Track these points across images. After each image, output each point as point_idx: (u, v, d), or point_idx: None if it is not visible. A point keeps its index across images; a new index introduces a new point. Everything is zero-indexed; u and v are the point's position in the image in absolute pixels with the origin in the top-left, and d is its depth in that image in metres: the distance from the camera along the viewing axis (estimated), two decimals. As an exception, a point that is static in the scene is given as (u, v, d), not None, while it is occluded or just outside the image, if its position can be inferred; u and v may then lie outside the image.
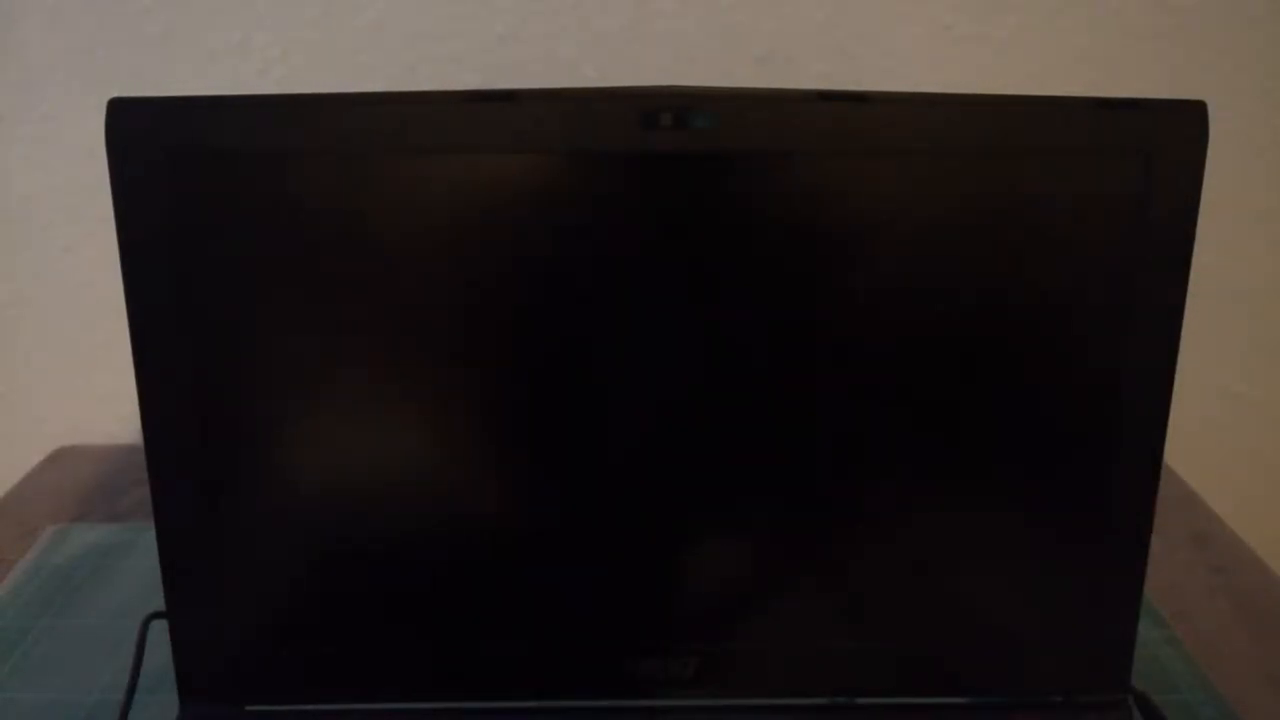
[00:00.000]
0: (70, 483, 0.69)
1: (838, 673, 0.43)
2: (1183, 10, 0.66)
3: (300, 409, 0.40)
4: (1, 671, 0.50)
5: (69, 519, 0.64)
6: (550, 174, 0.38)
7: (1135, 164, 0.38)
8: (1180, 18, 0.66)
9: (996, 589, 0.43)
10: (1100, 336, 0.40)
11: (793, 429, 0.41)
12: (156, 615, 0.47)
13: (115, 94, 0.38)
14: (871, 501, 0.42)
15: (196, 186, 0.38)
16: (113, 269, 0.38)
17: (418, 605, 0.42)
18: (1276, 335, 0.74)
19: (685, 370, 0.40)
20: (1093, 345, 0.40)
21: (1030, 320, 0.40)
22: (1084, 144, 0.38)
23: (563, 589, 0.42)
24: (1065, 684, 0.44)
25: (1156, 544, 0.42)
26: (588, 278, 0.39)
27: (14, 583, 0.57)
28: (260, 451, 0.40)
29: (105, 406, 0.74)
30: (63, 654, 0.51)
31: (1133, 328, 0.40)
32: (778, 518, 0.42)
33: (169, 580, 0.41)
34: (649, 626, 0.43)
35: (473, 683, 0.43)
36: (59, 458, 0.72)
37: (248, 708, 0.43)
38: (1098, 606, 0.42)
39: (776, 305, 0.39)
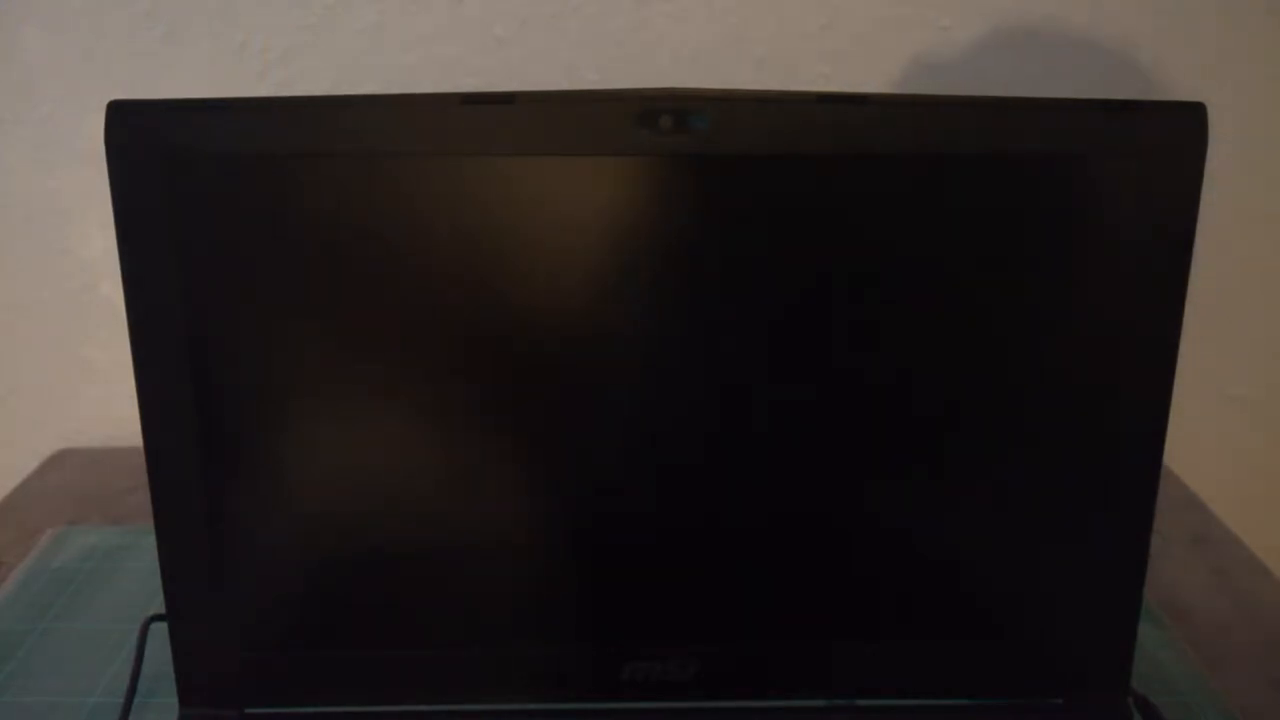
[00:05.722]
0: (70, 485, 0.69)
1: (837, 674, 0.43)
2: (1183, 10, 0.66)
3: (300, 411, 0.40)
4: (1, 674, 0.50)
5: (68, 521, 0.64)
6: (550, 176, 0.38)
7: (1135, 166, 0.38)
8: (1180, 18, 0.66)
9: (996, 591, 0.43)
10: (1100, 338, 0.40)
11: (792, 429, 0.40)
12: (156, 618, 0.47)
13: (115, 96, 0.38)
14: (871, 503, 0.42)
15: (196, 189, 0.38)
16: (112, 271, 0.38)
17: (417, 608, 0.42)
18: (1276, 337, 0.74)
19: (684, 371, 0.40)
20: (1093, 347, 0.40)
21: (1030, 322, 0.40)
22: (1084, 146, 0.38)
23: (563, 591, 0.42)
24: (1065, 686, 0.44)
25: (1156, 545, 0.42)
26: (587, 280, 0.39)
27: (13, 586, 0.57)
28: (260, 454, 0.40)
29: (105, 409, 0.74)
30: (62, 657, 0.51)
31: (1132, 329, 0.39)
32: (778, 519, 0.42)
33: (168, 583, 0.41)
34: (649, 629, 0.43)
35: (472, 685, 0.43)
36: (58, 460, 0.72)
37: (247, 710, 0.43)
38: (1098, 608, 0.42)
39: (776, 306, 0.39)
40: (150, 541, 0.42)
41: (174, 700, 0.43)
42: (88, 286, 0.71)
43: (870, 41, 0.66)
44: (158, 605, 0.43)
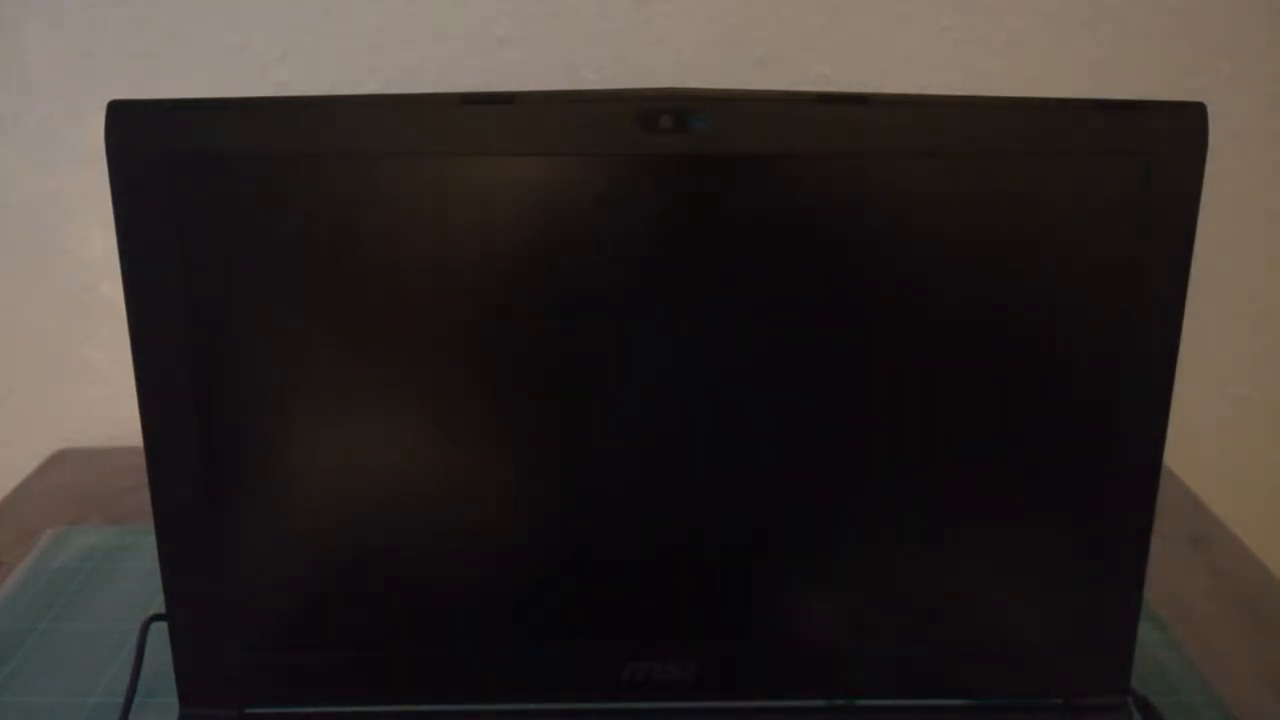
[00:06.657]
0: (70, 485, 0.69)
1: (838, 674, 0.43)
2: (1183, 10, 0.66)
3: (300, 411, 0.40)
4: (1, 674, 0.50)
5: (68, 522, 0.64)
6: (550, 176, 0.38)
7: (1135, 165, 0.38)
8: (1180, 18, 0.66)
9: (997, 591, 0.43)
10: (1100, 338, 0.40)
11: (792, 430, 0.40)
12: (156, 618, 0.47)
13: (115, 96, 0.38)
14: (872, 503, 0.42)
15: (196, 188, 0.38)
16: (112, 271, 0.38)
17: (417, 608, 0.42)
18: (1276, 337, 0.74)
19: (684, 372, 0.40)
20: (1093, 347, 0.40)
21: (1030, 322, 0.40)
22: (1084, 145, 0.38)
23: (563, 592, 0.42)
24: (1065, 686, 0.44)
25: (1156, 546, 0.42)
26: (587, 280, 0.39)
27: (14, 586, 0.57)
28: (259, 454, 0.40)
29: (105, 409, 0.74)
30: (62, 657, 0.51)
31: (1133, 329, 0.39)
32: (778, 520, 0.42)
33: (168, 583, 0.41)
34: (650, 629, 0.43)
35: (472, 685, 0.43)
36: (58, 460, 0.72)
37: (247, 710, 0.43)
38: (1098, 609, 0.42)
39: (776, 307, 0.39)
40: (150, 541, 0.42)
41: (174, 700, 0.43)
42: (88, 286, 0.71)
43: (870, 41, 0.66)
44: (158, 605, 0.43)
